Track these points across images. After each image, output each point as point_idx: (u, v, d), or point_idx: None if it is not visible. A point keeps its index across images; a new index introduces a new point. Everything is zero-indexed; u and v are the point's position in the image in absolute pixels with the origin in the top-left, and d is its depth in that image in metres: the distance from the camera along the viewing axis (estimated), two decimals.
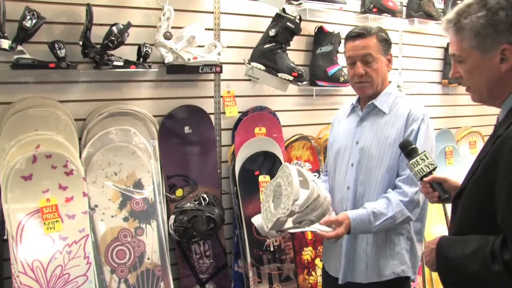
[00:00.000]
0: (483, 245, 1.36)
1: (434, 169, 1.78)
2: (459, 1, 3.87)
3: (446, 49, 4.18)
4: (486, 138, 4.32)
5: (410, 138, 2.08)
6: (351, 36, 2.21)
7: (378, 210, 2.06)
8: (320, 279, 3.15)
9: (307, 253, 3.15)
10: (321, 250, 3.14)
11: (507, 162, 1.32)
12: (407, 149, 1.86)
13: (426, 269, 3.62)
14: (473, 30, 1.44)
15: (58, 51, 2.28)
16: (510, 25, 1.39)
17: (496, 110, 4.42)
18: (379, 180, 2.15)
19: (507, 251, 1.29)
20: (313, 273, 3.17)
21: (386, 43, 2.21)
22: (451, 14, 1.51)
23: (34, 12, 2.19)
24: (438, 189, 1.75)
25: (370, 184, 2.17)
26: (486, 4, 1.42)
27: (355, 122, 2.28)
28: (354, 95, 2.39)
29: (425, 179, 1.78)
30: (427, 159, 1.78)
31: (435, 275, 3.61)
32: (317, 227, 2.02)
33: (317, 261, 3.18)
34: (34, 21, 2.19)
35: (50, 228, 2.30)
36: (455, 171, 3.80)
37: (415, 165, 1.79)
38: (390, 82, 2.32)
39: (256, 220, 2.11)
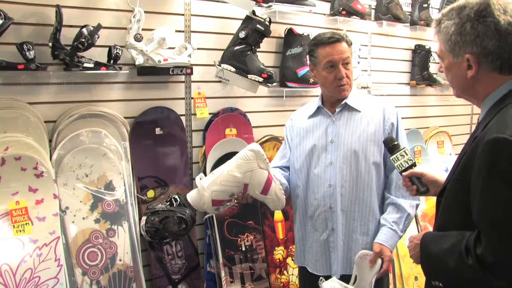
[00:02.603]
0: (460, 241, 1.44)
1: (413, 165, 1.90)
2: (425, 5, 3.97)
3: (413, 51, 4.28)
4: (453, 138, 4.48)
5: (391, 130, 2.25)
6: (330, 42, 2.26)
7: (395, 217, 2.23)
8: (292, 278, 3.19)
9: (279, 253, 3.18)
10: (292, 250, 3.18)
11: (479, 163, 1.39)
12: (390, 145, 1.98)
13: (397, 266, 3.69)
14: (446, 35, 1.53)
15: (27, 53, 2.26)
16: (475, 36, 1.46)
17: (463, 110, 4.51)
18: (366, 173, 2.25)
19: (480, 246, 1.37)
20: (285, 272, 3.20)
21: (351, 47, 2.33)
22: (439, 14, 1.59)
23: (1, 12, 2.17)
24: (417, 183, 1.87)
25: (356, 179, 2.25)
26: (460, 12, 1.50)
27: (325, 122, 2.34)
28: None
29: (404, 173, 1.89)
30: (407, 155, 1.91)
31: (405, 272, 3.68)
32: (374, 275, 2.14)
33: (289, 260, 3.21)
34: (1, 21, 2.17)
35: (20, 231, 2.29)
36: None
37: (395, 161, 1.92)
38: None
39: (191, 194, 2.13)
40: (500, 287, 1.39)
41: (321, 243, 2.33)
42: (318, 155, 2.31)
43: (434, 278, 1.59)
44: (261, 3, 3.02)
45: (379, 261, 2.15)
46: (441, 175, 1.85)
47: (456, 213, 1.53)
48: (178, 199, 2.71)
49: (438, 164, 4.30)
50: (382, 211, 2.29)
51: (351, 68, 2.30)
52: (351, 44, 2.32)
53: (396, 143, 1.97)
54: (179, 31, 2.89)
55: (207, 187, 2.04)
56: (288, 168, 2.47)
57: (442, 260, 1.49)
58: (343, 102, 2.30)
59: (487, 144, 1.37)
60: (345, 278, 2.19)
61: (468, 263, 1.39)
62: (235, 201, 2.15)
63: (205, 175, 2.87)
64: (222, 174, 2.06)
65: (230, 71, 2.87)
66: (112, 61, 2.54)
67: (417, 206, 2.30)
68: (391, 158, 1.94)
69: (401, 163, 1.90)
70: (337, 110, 2.31)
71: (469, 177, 1.44)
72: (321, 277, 2.16)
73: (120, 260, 2.57)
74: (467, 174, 1.45)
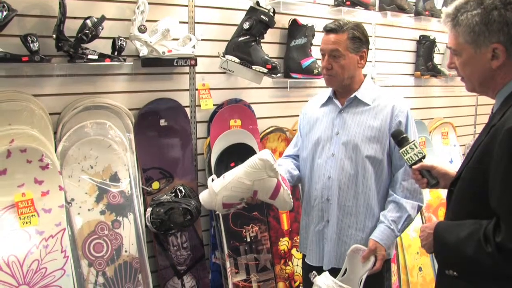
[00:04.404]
0: (477, 229, 1.45)
1: (423, 157, 1.88)
2: None
3: (418, 42, 4.26)
4: (457, 129, 4.48)
5: (398, 128, 2.18)
6: (326, 30, 2.27)
7: (395, 216, 2.20)
8: (297, 268, 3.20)
9: (284, 244, 3.19)
10: (297, 241, 3.18)
11: (500, 151, 1.40)
12: (398, 138, 1.96)
13: (401, 257, 3.69)
14: (468, 27, 1.51)
15: (31, 44, 2.25)
16: (503, 24, 1.45)
17: (468, 102, 4.51)
18: (366, 169, 2.23)
19: (500, 234, 1.38)
20: (289, 263, 3.21)
21: (358, 40, 2.23)
22: (450, 8, 1.58)
23: (5, 4, 2.16)
24: (427, 176, 1.86)
25: (356, 174, 2.23)
26: (482, 2, 1.49)
27: (333, 113, 2.33)
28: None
29: (414, 167, 1.88)
30: (416, 148, 1.89)
31: (409, 263, 3.69)
32: (365, 271, 2.13)
33: (294, 251, 3.22)
34: (5, 13, 2.16)
35: (26, 223, 2.29)
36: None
37: (405, 154, 1.90)
38: (365, 75, 2.37)
39: (203, 195, 2.16)
40: None
41: (316, 234, 2.34)
42: (323, 146, 2.31)
43: (449, 267, 1.59)
44: None
45: (372, 258, 2.15)
46: (451, 167, 1.85)
47: (471, 201, 1.54)
48: (183, 190, 2.72)
49: (443, 155, 4.29)
50: (380, 209, 2.27)
51: (342, 62, 2.21)
52: (354, 36, 2.21)
53: (404, 135, 1.95)
54: (183, 22, 2.88)
55: (219, 191, 2.09)
56: (299, 156, 2.48)
57: (459, 249, 1.49)
58: (352, 95, 2.28)
59: (508, 132, 1.38)
60: (336, 272, 2.19)
61: (487, 251, 1.39)
62: (245, 204, 2.19)
63: (210, 166, 2.90)
64: (233, 180, 2.09)
65: (235, 62, 2.86)
66: (116, 53, 2.53)
67: (419, 208, 2.27)
68: (400, 151, 1.92)
69: (410, 156, 1.88)
70: (346, 102, 2.30)
71: (486, 165, 1.45)
72: (313, 272, 2.15)
73: (126, 251, 2.57)
74: (484, 163, 1.46)
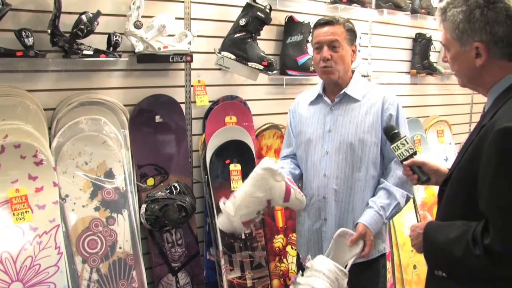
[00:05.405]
0: (466, 231, 1.43)
1: (414, 153, 1.88)
2: None
3: (414, 40, 4.26)
4: (453, 127, 4.48)
5: (389, 121, 2.20)
6: (320, 23, 2.27)
7: (384, 203, 2.18)
8: (291, 266, 3.20)
9: (278, 241, 3.19)
10: (292, 238, 3.19)
11: (489, 152, 1.38)
12: (390, 134, 1.96)
13: (395, 255, 3.70)
14: (453, 23, 1.50)
15: (26, 39, 2.24)
16: (485, 23, 1.44)
17: (463, 100, 4.50)
18: (362, 165, 2.22)
19: (488, 236, 1.36)
20: (284, 260, 3.21)
21: (352, 33, 2.27)
22: (443, 2, 1.56)
23: None
24: (418, 172, 1.85)
25: (352, 170, 2.23)
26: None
27: (324, 111, 2.32)
28: None
29: (404, 162, 1.88)
30: (407, 143, 1.89)
31: (404, 260, 3.69)
32: (352, 256, 2.11)
33: (288, 248, 3.22)
34: None
35: (20, 219, 2.28)
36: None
37: (396, 149, 1.90)
38: (353, 71, 2.36)
39: (220, 221, 2.18)
40: (507, 277, 1.40)
41: (313, 232, 2.33)
42: (315, 143, 2.31)
43: (438, 268, 1.58)
44: None
45: (361, 243, 2.12)
46: (443, 164, 1.84)
47: (462, 201, 1.52)
48: (178, 187, 2.71)
49: (438, 153, 4.30)
50: None
51: (342, 52, 2.23)
52: (349, 29, 2.26)
53: (396, 131, 1.95)
54: (179, 18, 2.87)
55: (235, 213, 2.10)
56: (296, 155, 2.47)
57: (448, 250, 1.47)
58: (342, 92, 2.27)
59: (497, 133, 1.35)
60: None
61: (475, 253, 1.38)
62: (262, 215, 2.21)
63: (205, 163, 2.90)
64: (245, 198, 2.10)
65: (230, 58, 2.85)
66: (111, 48, 2.52)
67: (408, 198, 2.25)
68: (391, 147, 1.92)
69: (401, 152, 1.88)
70: (336, 99, 2.29)
71: (476, 166, 1.42)
72: (308, 256, 2.12)
73: (120, 248, 2.57)
74: (474, 163, 1.43)
